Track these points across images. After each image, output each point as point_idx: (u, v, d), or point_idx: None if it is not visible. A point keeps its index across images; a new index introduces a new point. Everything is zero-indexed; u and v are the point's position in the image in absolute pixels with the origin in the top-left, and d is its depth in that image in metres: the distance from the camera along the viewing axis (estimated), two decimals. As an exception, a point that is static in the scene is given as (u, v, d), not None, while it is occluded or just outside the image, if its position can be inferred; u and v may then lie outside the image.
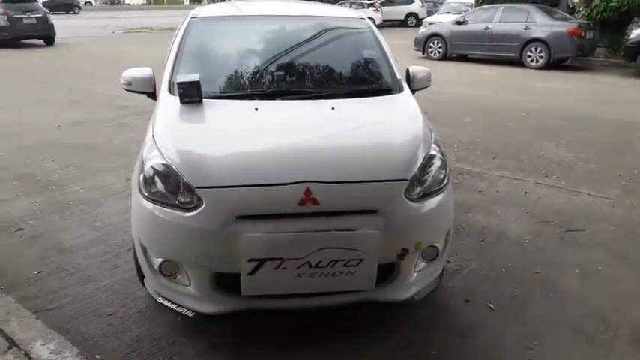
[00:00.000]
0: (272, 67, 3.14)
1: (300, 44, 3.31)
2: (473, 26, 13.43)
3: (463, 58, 13.88)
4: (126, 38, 20.10)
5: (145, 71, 3.25)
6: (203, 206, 2.25)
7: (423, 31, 15.29)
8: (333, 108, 2.80)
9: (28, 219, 3.84)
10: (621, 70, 11.95)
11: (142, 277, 2.62)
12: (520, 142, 6.01)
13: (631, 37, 11.29)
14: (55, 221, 3.83)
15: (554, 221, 3.91)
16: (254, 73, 3.11)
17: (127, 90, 3.29)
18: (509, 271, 3.20)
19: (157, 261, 2.41)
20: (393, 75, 3.24)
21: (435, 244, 2.52)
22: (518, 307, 2.84)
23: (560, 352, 2.50)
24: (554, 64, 12.27)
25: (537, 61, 12.36)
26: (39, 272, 3.11)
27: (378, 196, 2.33)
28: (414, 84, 3.34)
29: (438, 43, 14.14)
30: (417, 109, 2.93)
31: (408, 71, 3.39)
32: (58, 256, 3.32)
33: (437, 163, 2.56)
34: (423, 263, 2.54)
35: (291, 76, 3.10)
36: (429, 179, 2.49)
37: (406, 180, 2.38)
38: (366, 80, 3.28)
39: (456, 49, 13.95)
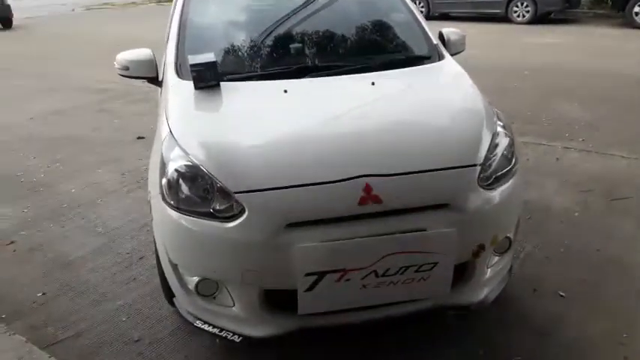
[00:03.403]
0: (293, 40, 2.71)
1: (319, 10, 2.88)
2: (455, -17, 12.96)
3: (445, 17, 13.43)
4: (88, 16, 18.99)
5: (143, 53, 2.80)
6: (246, 214, 1.86)
7: (403, -10, 14.73)
8: (372, 83, 2.40)
9: (19, 229, 3.40)
10: (608, 20, 11.70)
11: (170, 296, 2.25)
12: (532, 103, 5.70)
13: (619, -14, 10.97)
14: (50, 229, 3.39)
15: (597, 189, 3.63)
16: (274, 48, 2.68)
17: (124, 76, 2.84)
18: (569, 251, 2.91)
19: (193, 280, 2.03)
20: (429, 40, 2.85)
21: (508, 234, 2.20)
22: (590, 294, 2.56)
23: (656, 345, 2.24)
24: (540, 18, 11.95)
25: (524, 15, 12.02)
26: (43, 294, 2.71)
27: (450, 187, 1.98)
28: (449, 49, 2.95)
29: (420, 3, 13.64)
30: (468, 78, 2.56)
31: (441, 34, 3.00)
32: (61, 271, 2.91)
33: (504, 141, 2.21)
34: (496, 257, 2.22)
35: (317, 49, 2.68)
36: (498, 161, 2.13)
37: (478, 165, 2.03)
38: (401, 48, 2.86)
39: (438, 8, 13.50)
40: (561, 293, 2.56)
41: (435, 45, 2.82)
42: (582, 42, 9.51)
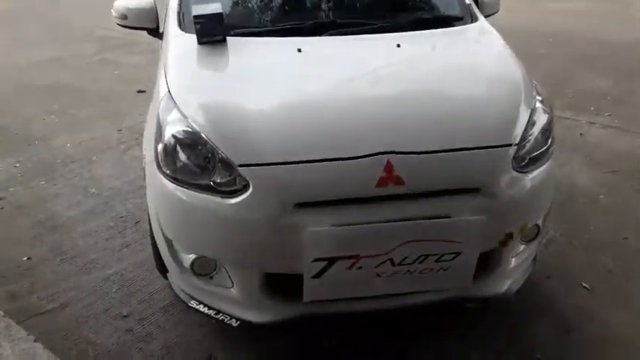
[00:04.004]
0: (309, -8, 2.44)
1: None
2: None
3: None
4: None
5: (144, 0, 2.53)
6: (250, 190, 1.65)
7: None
8: (398, 45, 2.14)
9: (9, 185, 3.21)
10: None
11: (163, 270, 2.07)
12: (557, 73, 5.38)
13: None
14: (41, 187, 3.19)
15: (624, 170, 3.39)
16: (288, 0, 2.40)
17: (122, 26, 2.60)
18: (594, 238, 2.71)
19: (188, 258, 1.84)
20: (460, -3, 2.56)
21: (537, 222, 1.99)
22: (618, 287, 2.37)
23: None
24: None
25: (548, -22, 11.42)
26: (29, 259, 2.54)
27: (482, 169, 1.75)
28: (482, 9, 2.66)
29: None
30: (504, 43, 2.30)
31: (473, -7, 2.71)
32: (50, 234, 2.73)
33: (542, 118, 1.97)
34: (522, 245, 2.02)
35: (336, 3, 2.40)
36: (534, 140, 1.90)
37: (513, 144, 1.80)
38: (430, 6, 2.57)
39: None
40: (585, 285, 2.37)
41: (468, 5, 2.54)
42: (611, 9, 9.01)
